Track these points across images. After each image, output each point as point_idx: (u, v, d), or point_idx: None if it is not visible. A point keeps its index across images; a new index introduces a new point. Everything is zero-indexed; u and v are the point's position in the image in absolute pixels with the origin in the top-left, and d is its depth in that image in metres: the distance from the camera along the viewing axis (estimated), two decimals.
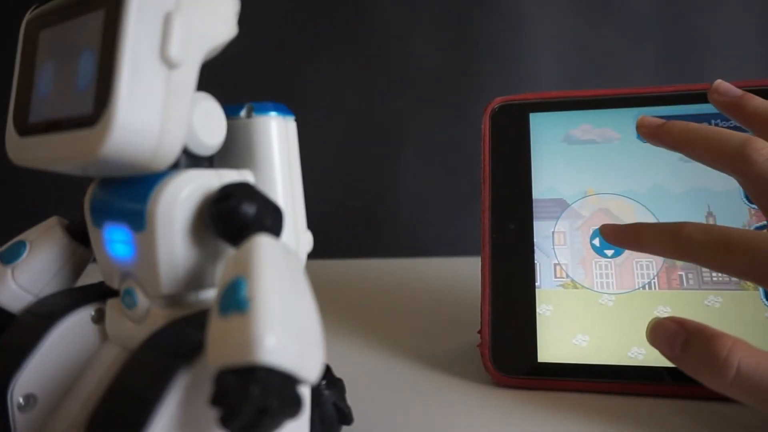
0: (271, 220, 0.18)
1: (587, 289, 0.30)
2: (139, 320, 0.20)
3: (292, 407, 0.15)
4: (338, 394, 0.24)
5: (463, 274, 0.43)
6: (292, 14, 0.67)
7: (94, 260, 0.22)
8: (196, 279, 0.19)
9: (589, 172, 0.32)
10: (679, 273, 0.29)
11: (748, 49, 0.64)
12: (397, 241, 0.69)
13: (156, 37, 0.17)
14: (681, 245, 0.23)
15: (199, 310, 0.19)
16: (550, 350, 0.29)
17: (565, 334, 0.29)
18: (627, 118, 0.32)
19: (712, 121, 0.31)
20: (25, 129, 0.19)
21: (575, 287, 0.30)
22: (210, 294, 0.20)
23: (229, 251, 0.19)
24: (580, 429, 0.25)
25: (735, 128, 0.30)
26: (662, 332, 0.23)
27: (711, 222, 0.30)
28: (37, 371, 0.20)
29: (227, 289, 0.16)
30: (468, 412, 0.26)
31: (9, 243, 0.24)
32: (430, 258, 0.63)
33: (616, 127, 0.32)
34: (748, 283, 0.28)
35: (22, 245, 0.23)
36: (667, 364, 0.27)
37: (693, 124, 0.25)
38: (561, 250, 0.31)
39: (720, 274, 0.29)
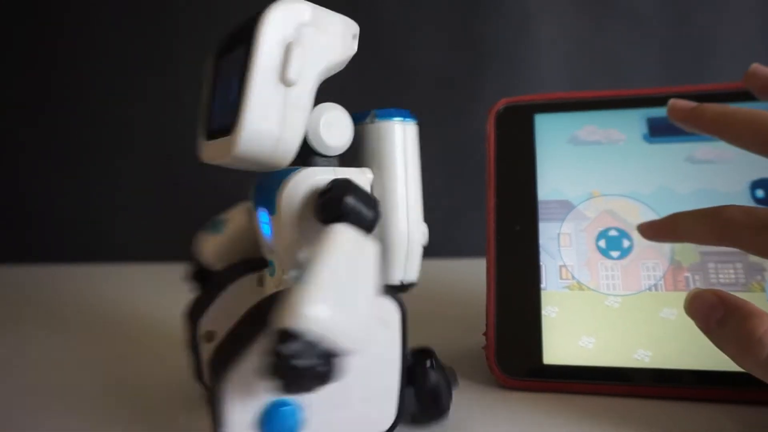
0: (365, 211, 0.22)
1: (593, 290, 0.30)
2: (278, 285, 0.25)
3: (324, 372, 0.18)
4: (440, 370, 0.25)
5: (468, 275, 0.43)
6: None
7: None
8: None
9: (595, 174, 0.32)
10: (686, 275, 0.29)
11: (754, 50, 0.64)
12: None
13: (274, 62, 0.21)
14: (722, 228, 0.22)
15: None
16: (555, 352, 0.29)
17: (570, 335, 0.29)
18: (632, 119, 0.32)
19: None
20: (208, 135, 0.25)
21: (581, 289, 0.30)
22: None
23: None
24: (586, 431, 0.24)
25: None
26: (701, 303, 0.23)
27: None
28: (215, 315, 0.27)
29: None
30: (473, 414, 0.26)
31: (212, 219, 0.30)
32: (435, 259, 0.63)
33: (621, 128, 0.32)
34: (755, 284, 0.28)
35: (221, 222, 0.30)
36: (674, 366, 0.27)
37: (729, 107, 0.24)
38: (566, 252, 0.31)
39: (726, 277, 0.28)
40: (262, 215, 0.25)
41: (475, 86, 0.66)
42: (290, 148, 0.22)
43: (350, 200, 0.21)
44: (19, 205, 0.73)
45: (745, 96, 0.31)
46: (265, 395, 0.21)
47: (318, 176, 0.23)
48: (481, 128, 0.35)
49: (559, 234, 0.31)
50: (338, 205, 0.21)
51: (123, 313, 0.46)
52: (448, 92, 0.67)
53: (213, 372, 0.21)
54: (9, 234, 0.73)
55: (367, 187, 0.24)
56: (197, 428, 0.26)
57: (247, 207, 0.29)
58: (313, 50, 0.22)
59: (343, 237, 0.20)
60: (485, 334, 0.30)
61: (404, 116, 0.25)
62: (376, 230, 0.23)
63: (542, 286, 0.30)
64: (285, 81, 0.21)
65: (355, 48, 0.23)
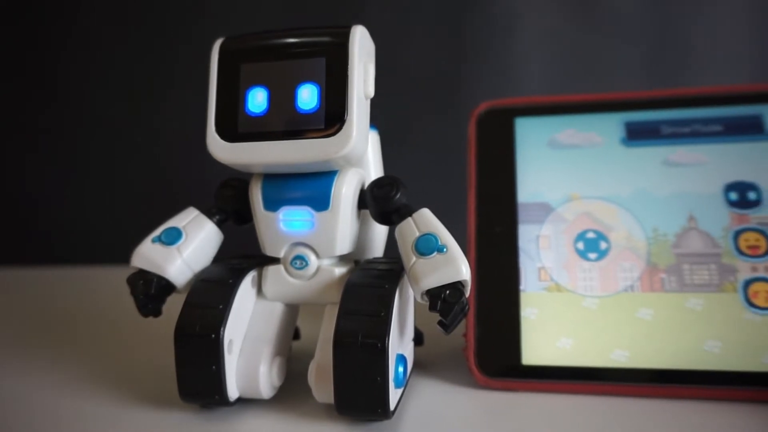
0: (407, 202, 0.26)
1: (571, 292, 0.30)
2: (309, 277, 0.27)
3: (467, 308, 0.24)
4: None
5: None
6: (286, 18, 0.67)
7: None
8: (350, 243, 0.27)
9: (574, 177, 0.32)
10: (662, 275, 0.29)
11: (736, 55, 0.65)
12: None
13: (362, 78, 0.25)
14: None
15: (360, 262, 0.29)
16: (534, 353, 0.29)
17: (549, 336, 0.29)
18: (611, 122, 0.33)
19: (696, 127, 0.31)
20: (234, 137, 0.25)
21: (559, 290, 0.30)
22: (347, 254, 0.28)
23: (371, 226, 0.29)
24: (565, 430, 0.25)
25: (716, 134, 0.31)
26: None
27: (692, 225, 0.30)
28: (231, 322, 0.26)
29: (422, 241, 0.24)
30: (452, 414, 0.27)
31: (162, 229, 0.28)
32: None
33: (600, 132, 0.33)
34: (728, 285, 0.28)
35: (177, 230, 0.28)
36: (650, 366, 0.27)
37: None
38: (545, 254, 0.31)
39: (700, 278, 0.29)
40: (293, 214, 0.26)
41: (459, 89, 0.67)
42: (366, 151, 0.27)
43: (403, 193, 0.26)
44: (18, 207, 0.73)
45: (724, 101, 0.32)
46: (394, 352, 0.24)
47: (358, 175, 0.27)
48: (463, 131, 0.36)
49: (538, 236, 0.31)
50: (401, 198, 0.26)
51: (121, 313, 0.46)
52: (432, 95, 0.67)
53: (364, 342, 0.23)
54: (9, 235, 0.73)
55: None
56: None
57: (196, 212, 0.28)
58: (371, 69, 0.26)
59: (431, 215, 0.26)
60: (465, 335, 0.30)
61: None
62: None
63: (521, 287, 0.30)
64: (366, 94, 0.25)
65: None
